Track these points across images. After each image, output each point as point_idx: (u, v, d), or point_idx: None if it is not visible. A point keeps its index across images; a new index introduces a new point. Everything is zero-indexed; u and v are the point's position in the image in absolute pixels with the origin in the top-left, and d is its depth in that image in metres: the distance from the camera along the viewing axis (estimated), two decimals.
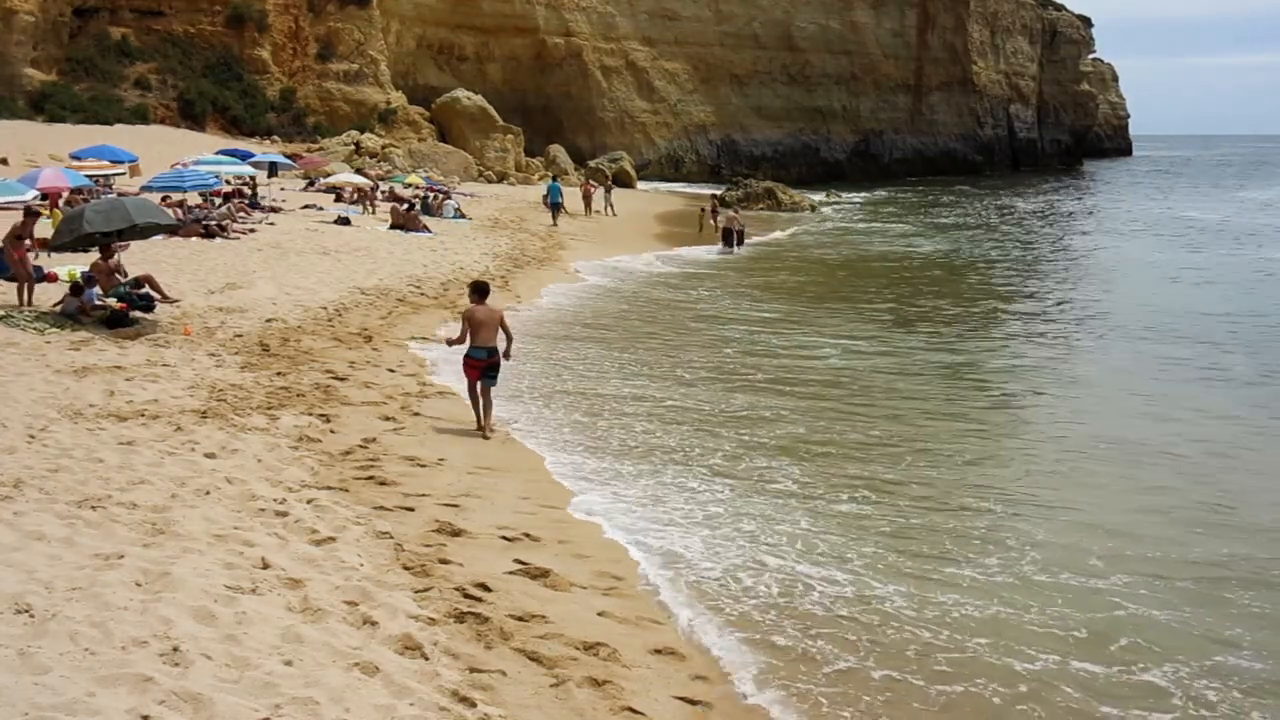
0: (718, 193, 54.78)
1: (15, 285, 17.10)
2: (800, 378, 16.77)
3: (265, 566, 7.80)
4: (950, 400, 15.92)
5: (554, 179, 49.15)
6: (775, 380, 16.48)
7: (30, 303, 16.68)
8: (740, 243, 36.65)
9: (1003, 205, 62.65)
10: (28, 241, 17.77)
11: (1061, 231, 47.99)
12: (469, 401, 12.94)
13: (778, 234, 43.80)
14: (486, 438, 12.53)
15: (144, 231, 18.95)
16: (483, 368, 12.65)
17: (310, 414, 12.42)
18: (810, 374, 17.11)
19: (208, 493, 9.32)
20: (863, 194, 70.82)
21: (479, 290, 13.11)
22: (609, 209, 46.73)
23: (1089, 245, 41.93)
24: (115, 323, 15.89)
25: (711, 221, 40.09)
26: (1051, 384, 17.32)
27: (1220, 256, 36.65)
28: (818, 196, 63.82)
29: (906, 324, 22.64)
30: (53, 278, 18.46)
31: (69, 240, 17.94)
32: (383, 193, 41.94)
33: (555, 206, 41.60)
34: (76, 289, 16.26)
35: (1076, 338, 21.56)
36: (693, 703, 6.91)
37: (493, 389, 12.87)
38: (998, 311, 25.32)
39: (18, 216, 27.36)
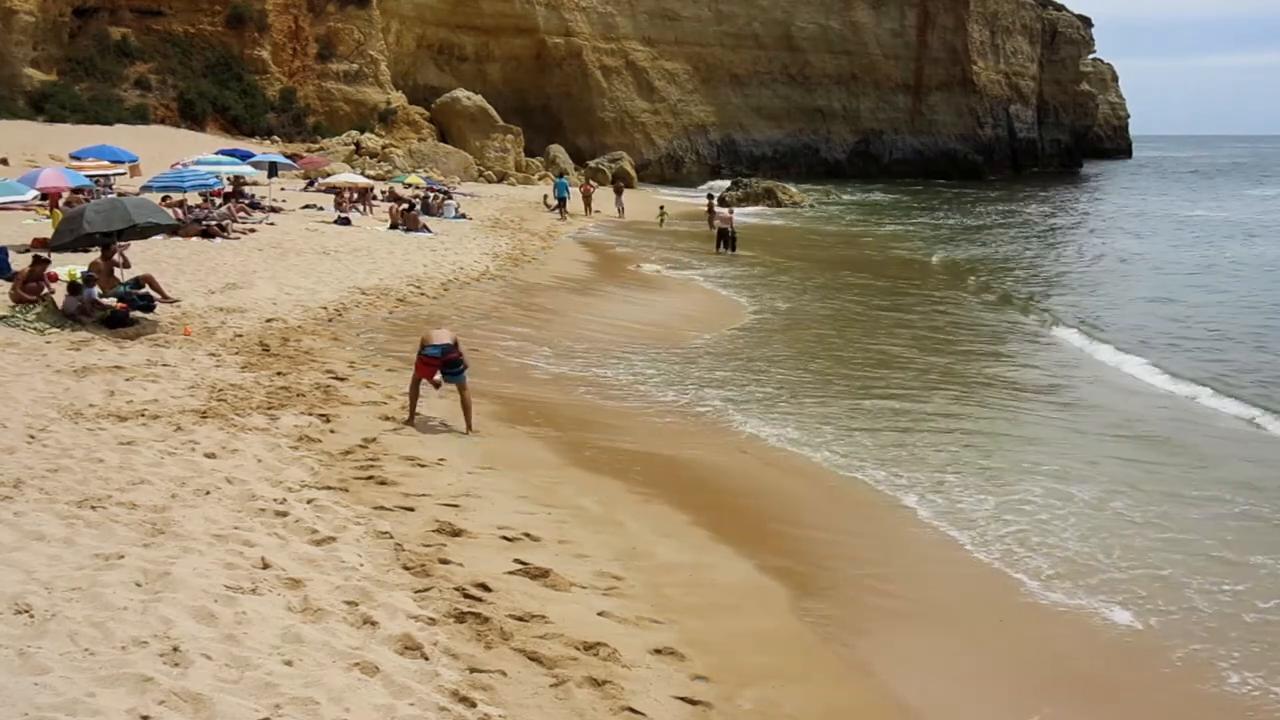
0: (716, 193, 54.70)
1: (12, 285, 17.08)
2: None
3: (265, 566, 7.79)
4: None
5: (561, 176, 51.44)
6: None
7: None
8: (733, 246, 35.79)
9: (1003, 213, 62.11)
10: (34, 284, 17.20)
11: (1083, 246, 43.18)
12: (408, 391, 12.87)
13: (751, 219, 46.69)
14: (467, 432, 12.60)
15: (144, 231, 18.94)
16: (439, 365, 12.59)
17: (310, 414, 12.41)
18: None
19: (208, 493, 9.31)
20: (859, 194, 70.88)
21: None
22: (620, 211, 46.97)
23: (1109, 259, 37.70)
24: (115, 323, 15.86)
25: (709, 225, 39.87)
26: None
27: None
28: (817, 196, 63.77)
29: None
30: (53, 278, 18.44)
31: (69, 240, 17.91)
32: (382, 192, 41.98)
33: (562, 201, 44.13)
34: (76, 289, 16.25)
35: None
36: (693, 703, 6.90)
37: (467, 385, 12.84)
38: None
39: (17, 216, 27.75)
